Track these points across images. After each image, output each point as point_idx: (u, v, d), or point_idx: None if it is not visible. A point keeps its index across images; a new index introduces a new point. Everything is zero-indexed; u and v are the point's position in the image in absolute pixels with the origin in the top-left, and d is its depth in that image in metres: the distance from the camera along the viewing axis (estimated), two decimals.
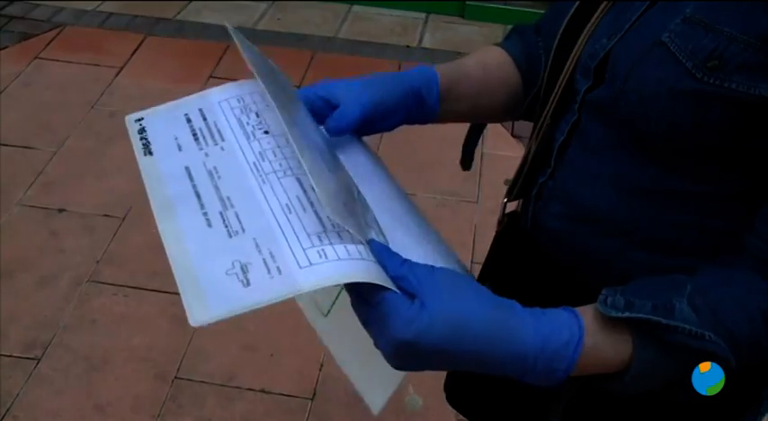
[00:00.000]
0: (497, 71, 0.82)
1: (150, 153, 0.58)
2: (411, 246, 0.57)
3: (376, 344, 0.52)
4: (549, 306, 0.80)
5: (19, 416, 1.67)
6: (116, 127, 2.56)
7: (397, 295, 0.50)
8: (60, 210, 2.22)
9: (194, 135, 0.57)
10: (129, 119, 0.60)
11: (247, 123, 0.58)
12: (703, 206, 0.65)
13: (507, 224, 0.88)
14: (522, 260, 0.84)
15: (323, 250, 0.49)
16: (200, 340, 1.84)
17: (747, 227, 0.61)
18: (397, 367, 0.52)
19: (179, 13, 3.26)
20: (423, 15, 3.41)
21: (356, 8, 3.43)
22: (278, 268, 0.47)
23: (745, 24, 0.54)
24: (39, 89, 2.72)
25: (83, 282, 1.99)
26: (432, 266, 0.53)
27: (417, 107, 0.73)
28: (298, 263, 0.48)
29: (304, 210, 0.51)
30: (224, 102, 0.60)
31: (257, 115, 0.58)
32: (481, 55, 0.83)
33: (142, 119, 0.60)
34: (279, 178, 0.54)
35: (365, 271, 0.48)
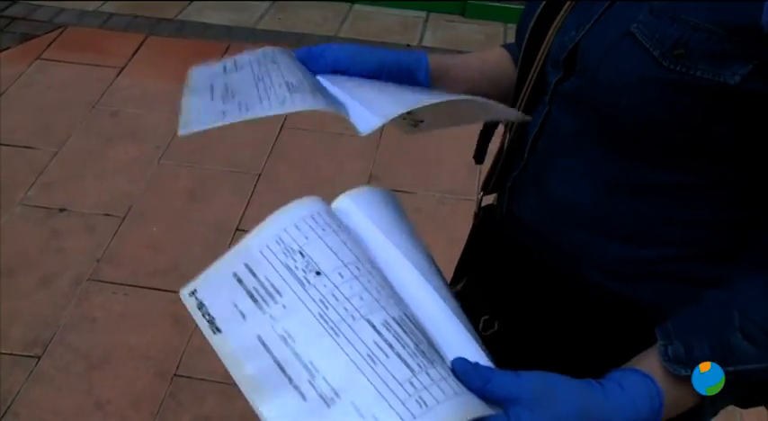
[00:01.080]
0: (496, 63, 0.84)
1: (218, 330, 0.56)
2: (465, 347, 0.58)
3: None
4: (526, 299, 0.80)
5: (20, 413, 1.68)
6: (117, 127, 2.57)
7: (496, 418, 0.51)
8: (61, 210, 2.23)
9: (252, 297, 0.56)
10: (184, 295, 0.59)
11: (296, 268, 0.57)
12: (673, 197, 0.65)
13: (483, 217, 0.89)
14: (497, 252, 0.85)
15: (420, 398, 0.49)
16: (199, 338, 1.84)
17: (760, 224, 0.62)
18: None
19: (180, 12, 3.27)
20: (423, 14, 3.41)
21: (357, 7, 3.44)
22: None
23: (709, 14, 0.55)
24: (40, 90, 2.73)
25: (83, 280, 2.00)
26: (516, 373, 0.54)
27: (408, 80, 0.75)
28: (402, 420, 0.48)
29: (387, 356, 0.51)
30: (265, 249, 0.58)
31: (302, 255, 0.57)
32: (482, 52, 0.87)
33: (195, 291, 0.59)
34: (350, 325, 0.53)
35: (465, 409, 0.49)
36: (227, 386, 1.71)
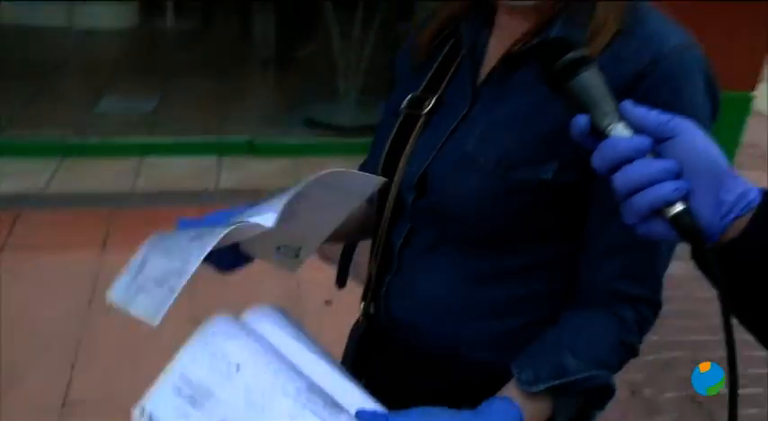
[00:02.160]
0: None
1: None
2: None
3: None
4: (417, 395, 0.92)
5: None
6: None
7: None
8: None
9: (191, 402, 0.72)
10: (135, 414, 0.72)
11: (220, 368, 0.72)
12: (529, 275, 0.81)
13: (366, 324, 0.98)
14: (383, 354, 0.95)
15: None
16: None
17: (575, 276, 0.80)
18: None
19: None
20: (214, 158, 3.53)
21: (148, 159, 3.47)
22: None
23: (523, 132, 0.75)
24: None
25: None
26: (406, 412, 0.72)
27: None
28: None
29: (303, 416, 0.68)
30: (193, 357, 0.74)
31: (223, 355, 0.73)
32: None
33: (144, 408, 0.72)
34: (270, 401, 0.70)
35: None
36: None
